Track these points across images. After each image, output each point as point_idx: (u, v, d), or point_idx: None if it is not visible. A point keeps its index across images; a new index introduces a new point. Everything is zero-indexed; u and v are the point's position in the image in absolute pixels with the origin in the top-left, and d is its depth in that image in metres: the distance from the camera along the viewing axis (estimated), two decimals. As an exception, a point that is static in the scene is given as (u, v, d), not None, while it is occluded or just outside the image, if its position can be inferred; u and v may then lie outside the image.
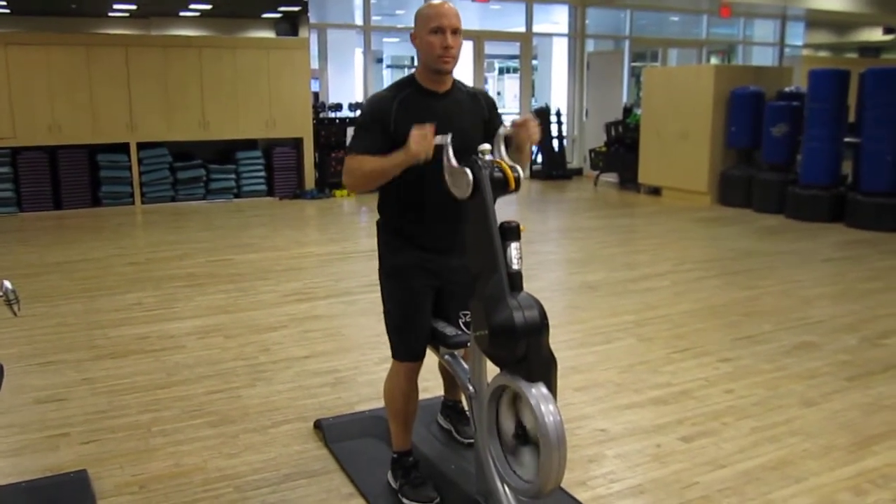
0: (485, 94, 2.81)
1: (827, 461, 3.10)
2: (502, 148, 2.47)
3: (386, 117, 2.56)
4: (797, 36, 16.03)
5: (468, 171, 2.32)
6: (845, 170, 8.98)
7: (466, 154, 2.38)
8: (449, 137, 2.40)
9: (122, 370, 4.13)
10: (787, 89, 9.93)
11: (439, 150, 2.39)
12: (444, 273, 2.72)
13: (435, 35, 2.51)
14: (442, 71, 2.57)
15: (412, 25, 2.60)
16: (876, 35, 16.92)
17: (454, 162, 2.38)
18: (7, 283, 2.35)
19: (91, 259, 6.88)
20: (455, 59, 2.56)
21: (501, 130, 2.50)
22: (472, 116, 2.67)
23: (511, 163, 2.41)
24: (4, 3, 9.53)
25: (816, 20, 15.59)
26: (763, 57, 15.77)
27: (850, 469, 3.03)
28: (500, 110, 2.85)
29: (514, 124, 2.51)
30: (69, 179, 9.44)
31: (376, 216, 2.81)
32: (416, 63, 2.68)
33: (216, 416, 3.53)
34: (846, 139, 8.72)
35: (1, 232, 8.24)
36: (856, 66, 9.57)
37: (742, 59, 15.67)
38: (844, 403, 3.67)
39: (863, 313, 5.17)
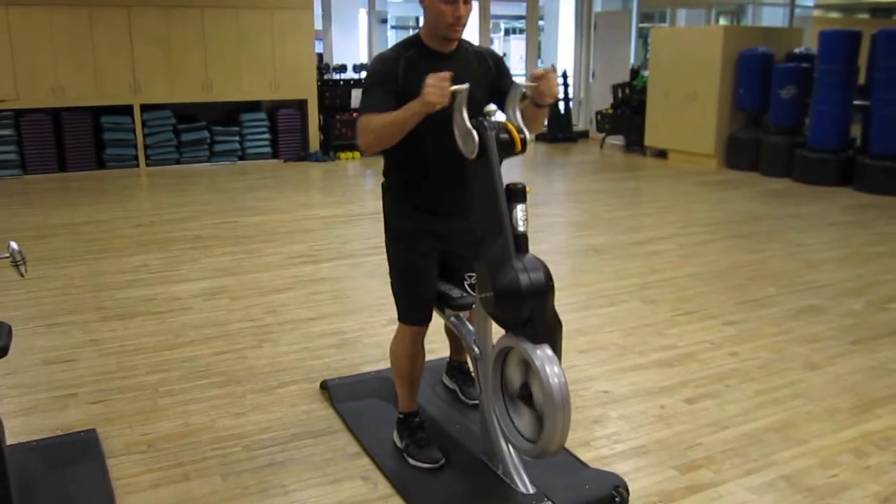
0: (492, 53, 2.76)
1: (829, 424, 3.12)
2: (517, 106, 2.44)
3: (393, 75, 2.52)
4: (808, -4, 15.78)
5: (474, 132, 2.31)
6: (854, 133, 8.90)
7: (474, 115, 2.36)
8: (467, 86, 2.35)
9: (130, 331, 4.16)
10: (796, 51, 9.81)
11: (451, 105, 2.35)
12: (449, 235, 2.71)
13: (447, 4, 2.46)
14: (450, 38, 2.54)
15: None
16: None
17: (467, 120, 2.34)
18: (13, 244, 2.35)
19: (96, 221, 6.89)
20: (464, 27, 2.53)
21: (517, 85, 2.45)
22: (479, 76, 2.63)
23: (519, 124, 2.39)
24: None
25: (828, -20, 15.35)
26: (773, 18, 15.53)
27: (853, 431, 3.05)
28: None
29: (535, 77, 2.44)
30: (73, 142, 9.41)
31: (381, 179, 2.79)
32: (420, 23, 2.64)
33: (223, 377, 3.56)
34: (856, 102, 8.62)
35: (5, 194, 8.25)
36: (867, 27, 9.42)
37: (751, 20, 15.43)
38: (848, 367, 3.69)
39: (869, 277, 5.17)
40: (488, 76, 2.66)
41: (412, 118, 2.38)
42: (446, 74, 2.32)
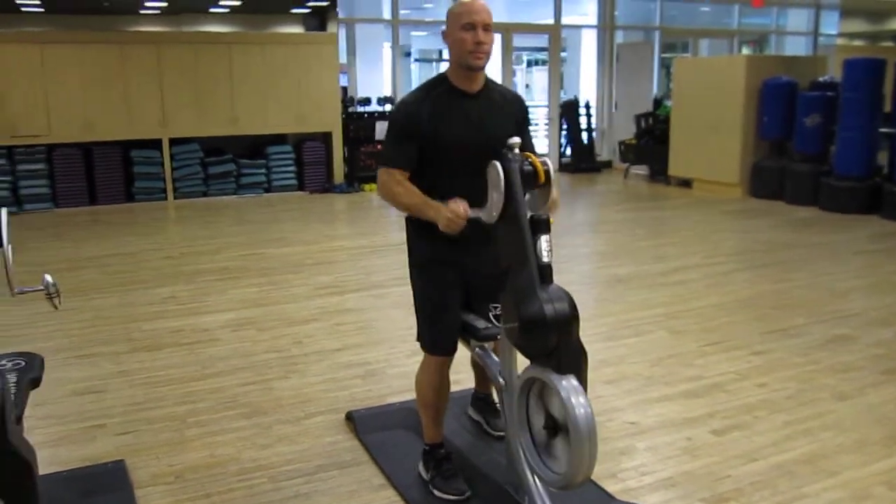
0: (518, 99, 2.81)
1: (861, 455, 3.07)
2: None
3: (417, 123, 2.57)
4: (832, 25, 15.74)
5: (498, 164, 2.33)
6: (881, 160, 8.82)
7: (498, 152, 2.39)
8: (479, 211, 2.43)
9: (158, 362, 4.20)
10: (820, 79, 9.77)
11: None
12: (473, 266, 2.73)
13: (467, 31, 2.51)
14: (473, 67, 2.57)
15: (440, 19, 2.61)
16: (912, 23, 16.57)
17: (494, 215, 2.39)
18: (48, 277, 2.40)
19: (125, 254, 6.99)
20: (487, 55, 2.56)
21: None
22: (505, 116, 2.67)
23: (542, 157, 2.41)
24: (39, 2, 9.68)
25: (851, 8, 15.30)
26: (796, 47, 15.52)
27: (885, 463, 3.01)
28: (529, 103, 2.85)
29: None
30: (103, 175, 9.58)
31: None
32: (444, 56, 2.68)
33: (250, 408, 3.58)
34: (882, 129, 8.57)
35: (37, 228, 8.40)
36: (892, 54, 9.38)
37: (775, 48, 15.44)
38: (879, 397, 3.63)
39: (898, 306, 5.10)
40: (513, 119, 2.70)
41: (422, 216, 2.55)
42: (464, 213, 2.42)
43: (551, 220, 2.33)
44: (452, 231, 2.42)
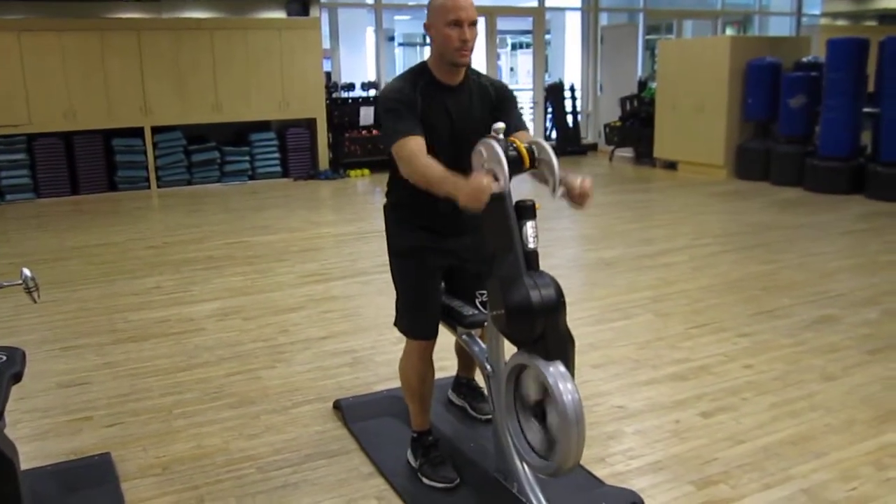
0: (496, 84, 2.72)
1: (848, 436, 3.08)
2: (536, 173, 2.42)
3: (412, 102, 2.52)
4: (814, 5, 15.77)
5: (490, 143, 2.30)
6: (865, 140, 8.86)
7: (476, 140, 2.36)
8: (508, 188, 2.27)
9: (143, 353, 4.17)
10: (804, 60, 9.78)
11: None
12: (457, 252, 2.71)
13: (452, 28, 2.46)
14: (458, 64, 2.54)
15: (423, 2, 2.58)
16: (895, 2, 16.61)
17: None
18: (26, 271, 2.37)
19: (109, 244, 6.93)
20: (471, 51, 2.53)
21: (557, 187, 2.33)
22: (478, 111, 2.62)
23: (527, 141, 2.39)
24: (16, -11, 9.54)
25: (834, -12, 15.35)
26: (780, 27, 15.53)
27: (872, 443, 3.02)
28: (513, 86, 2.81)
29: (577, 192, 2.37)
30: (85, 165, 9.49)
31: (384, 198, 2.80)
32: (428, 41, 2.64)
33: (237, 398, 3.56)
34: (865, 109, 8.59)
35: (19, 218, 8.31)
36: (875, 34, 9.40)
37: (758, 29, 15.43)
38: (866, 377, 3.65)
39: (884, 286, 5.13)
40: (486, 110, 2.63)
41: (442, 192, 2.32)
42: (488, 187, 2.20)
43: (537, 206, 2.31)
44: (474, 206, 2.21)
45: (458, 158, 2.43)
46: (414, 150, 2.43)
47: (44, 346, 4.28)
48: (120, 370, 3.93)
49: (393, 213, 2.77)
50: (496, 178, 2.24)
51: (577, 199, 2.38)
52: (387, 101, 2.57)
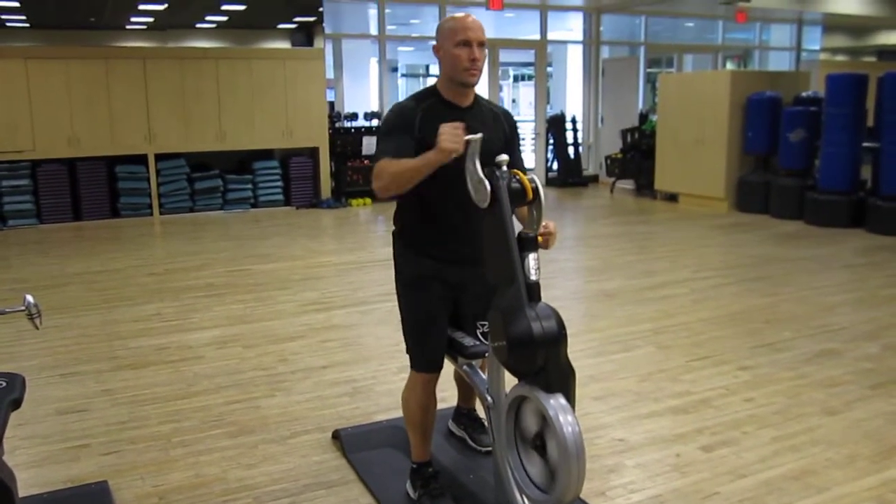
0: (507, 115, 2.81)
1: (850, 471, 3.07)
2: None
3: (411, 123, 2.56)
4: (814, 40, 15.92)
5: (486, 181, 2.32)
6: (864, 175, 8.90)
7: (487, 167, 2.38)
8: (480, 136, 2.37)
9: (142, 381, 4.15)
10: (804, 94, 9.86)
11: (465, 153, 2.37)
12: (461, 283, 2.72)
13: (461, 48, 2.51)
14: (467, 84, 2.58)
15: (427, 34, 2.63)
16: (894, 38, 16.77)
17: (480, 169, 2.35)
18: (29, 298, 2.37)
19: (110, 270, 6.94)
20: (480, 71, 2.57)
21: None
22: (495, 131, 2.67)
23: (530, 175, 2.40)
24: (24, 18, 9.65)
25: (834, 24, 15.47)
26: (780, 62, 15.67)
27: (874, 479, 3.00)
28: (515, 118, 2.85)
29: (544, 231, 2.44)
30: (88, 191, 9.53)
31: (392, 226, 2.81)
32: (431, 72, 2.68)
33: (235, 427, 3.55)
34: (865, 144, 8.64)
35: (21, 243, 8.33)
36: (874, 69, 9.48)
37: (758, 64, 15.57)
38: (867, 412, 3.64)
39: (884, 320, 5.12)
40: (503, 134, 2.70)
41: (427, 166, 2.40)
42: (459, 124, 2.36)
43: (539, 238, 2.33)
44: (457, 146, 2.32)
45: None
46: (389, 162, 2.49)
47: (43, 373, 4.27)
48: (119, 397, 3.92)
49: (400, 240, 2.79)
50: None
51: (542, 238, 2.41)
52: (385, 121, 2.66)
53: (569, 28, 14.12)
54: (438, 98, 2.63)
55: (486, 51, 2.58)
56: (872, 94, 8.71)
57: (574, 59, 13.94)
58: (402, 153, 2.49)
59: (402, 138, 2.53)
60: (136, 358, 4.54)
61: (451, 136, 2.33)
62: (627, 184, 12.01)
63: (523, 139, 14.25)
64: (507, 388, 2.45)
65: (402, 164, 2.46)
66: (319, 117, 10.61)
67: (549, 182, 12.61)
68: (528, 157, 12.92)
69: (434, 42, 2.62)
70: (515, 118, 2.85)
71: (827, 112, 8.78)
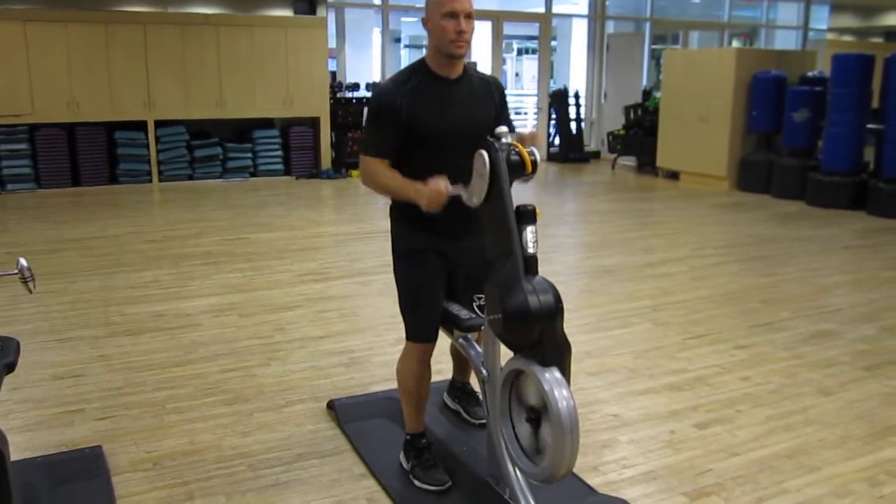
0: (497, 83, 2.80)
1: (843, 451, 3.07)
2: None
3: (393, 109, 2.54)
4: (821, 20, 15.78)
5: (484, 153, 2.30)
6: (867, 156, 8.85)
7: (480, 141, 2.35)
8: (461, 189, 2.41)
9: (138, 347, 4.15)
10: (809, 74, 9.78)
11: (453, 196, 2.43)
12: (457, 256, 2.71)
13: (448, 19, 2.48)
14: (454, 56, 2.55)
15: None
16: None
17: (472, 198, 2.38)
18: (22, 261, 2.36)
19: (108, 236, 6.92)
20: (468, 43, 2.55)
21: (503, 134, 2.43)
22: (485, 103, 2.67)
23: (528, 147, 2.38)
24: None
25: (841, 4, 15.35)
26: (786, 41, 15.55)
27: (867, 459, 3.01)
28: (518, 92, 2.84)
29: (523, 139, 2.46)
30: (87, 157, 9.48)
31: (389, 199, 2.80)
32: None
33: (231, 395, 3.55)
34: (869, 125, 8.59)
35: (19, 208, 8.30)
36: (881, 50, 9.40)
37: (765, 42, 15.45)
38: (862, 393, 3.64)
39: (882, 302, 5.11)
40: (493, 104, 2.71)
41: (406, 196, 2.51)
42: (445, 190, 2.39)
43: (538, 212, 2.30)
44: (434, 209, 2.41)
45: (462, 150, 2.42)
46: (376, 169, 2.58)
47: (38, 337, 4.27)
48: (114, 363, 3.92)
49: (397, 213, 2.77)
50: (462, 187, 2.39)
51: (527, 140, 2.44)
52: (371, 103, 2.71)
53: (574, 1, 13.98)
54: (426, 73, 2.61)
55: (475, 22, 2.55)
56: (878, 76, 8.63)
57: (579, 33, 13.81)
58: (385, 151, 2.57)
59: (386, 127, 2.57)
60: (132, 324, 4.53)
61: (432, 199, 2.41)
62: (629, 160, 11.97)
63: (525, 113, 14.20)
64: (503, 362, 2.45)
65: (387, 180, 2.57)
66: (321, 87, 10.54)
67: (550, 157, 12.56)
68: (530, 132, 12.85)
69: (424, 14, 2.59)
70: (518, 92, 2.83)
71: (832, 92, 8.71)
